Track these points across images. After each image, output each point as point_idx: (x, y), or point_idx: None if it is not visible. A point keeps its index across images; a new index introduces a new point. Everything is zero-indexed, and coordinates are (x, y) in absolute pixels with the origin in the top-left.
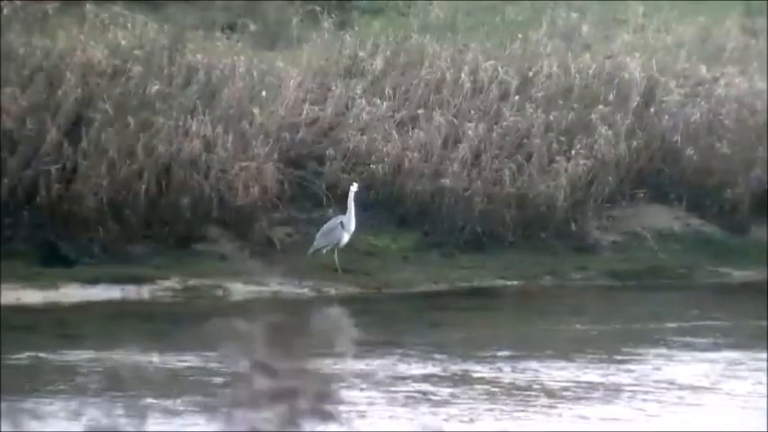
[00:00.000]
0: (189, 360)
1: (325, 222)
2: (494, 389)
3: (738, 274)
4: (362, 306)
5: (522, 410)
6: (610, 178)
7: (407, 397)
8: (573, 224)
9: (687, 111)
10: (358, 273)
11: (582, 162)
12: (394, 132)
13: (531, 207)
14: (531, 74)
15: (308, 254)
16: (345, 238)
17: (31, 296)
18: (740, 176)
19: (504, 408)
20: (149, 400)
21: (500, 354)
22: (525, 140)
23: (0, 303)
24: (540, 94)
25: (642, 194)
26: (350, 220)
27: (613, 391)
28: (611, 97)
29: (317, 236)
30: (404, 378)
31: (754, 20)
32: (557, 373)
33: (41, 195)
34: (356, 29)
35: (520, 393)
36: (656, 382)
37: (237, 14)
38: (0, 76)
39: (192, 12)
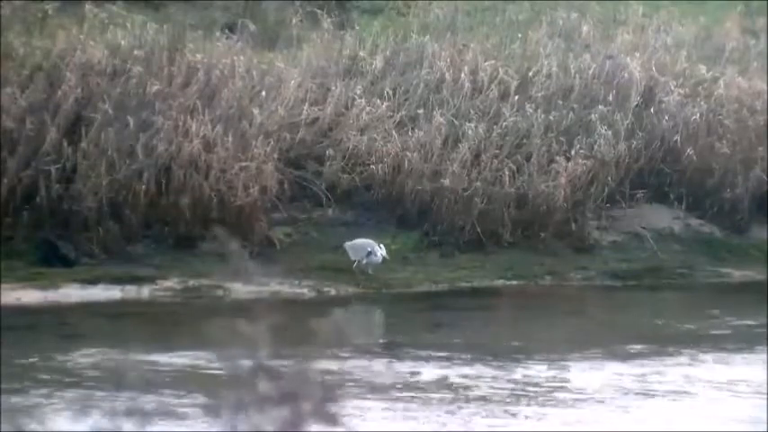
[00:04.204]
0: (189, 360)
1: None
2: (494, 389)
3: (738, 274)
4: (362, 306)
5: (523, 410)
6: (610, 178)
7: (407, 397)
8: (573, 224)
9: (687, 111)
10: (357, 273)
11: (581, 162)
12: (394, 132)
13: (530, 207)
14: (530, 74)
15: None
16: (363, 259)
17: (31, 296)
18: (740, 176)
19: (503, 408)
20: (150, 401)
21: (500, 354)
22: (525, 140)
23: (0, 303)
24: (539, 94)
25: (642, 194)
26: (376, 254)
27: (613, 391)
28: (610, 97)
29: (360, 247)
30: (404, 378)
31: (754, 20)
32: (557, 373)
33: (41, 195)
34: (356, 29)
35: (520, 393)
36: (655, 381)
37: (237, 14)
38: (0, 76)
39: (192, 12)
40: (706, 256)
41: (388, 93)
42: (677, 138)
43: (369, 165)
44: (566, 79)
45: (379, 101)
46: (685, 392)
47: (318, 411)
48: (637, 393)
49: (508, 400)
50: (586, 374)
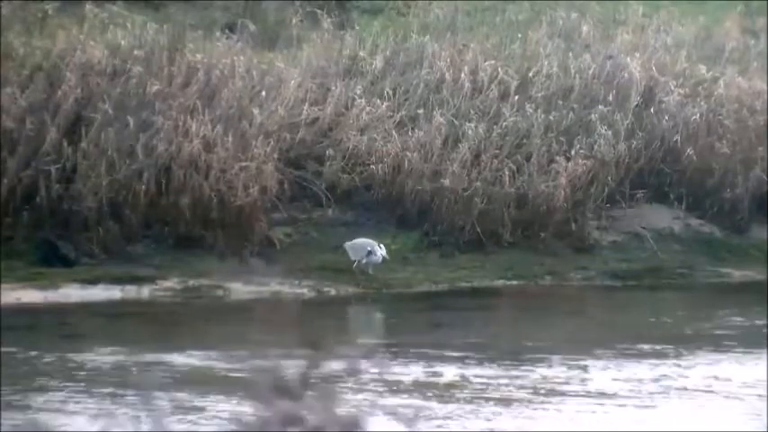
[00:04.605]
0: (189, 359)
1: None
2: (493, 389)
3: (738, 274)
4: (362, 306)
5: (522, 410)
6: (610, 178)
7: (407, 397)
8: (573, 224)
9: (687, 111)
10: (357, 273)
11: (582, 162)
12: (394, 132)
13: (530, 207)
14: (530, 74)
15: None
16: (364, 259)
17: (31, 296)
18: (740, 176)
19: (504, 407)
20: (149, 400)
21: (500, 354)
22: (525, 140)
23: (0, 303)
24: (539, 95)
25: (642, 194)
26: (376, 254)
27: (613, 391)
28: (610, 97)
29: (359, 247)
30: (404, 378)
31: (754, 20)
32: (556, 372)
33: (41, 195)
34: (356, 29)
35: (520, 393)
36: (655, 382)
37: (237, 14)
38: (0, 76)
39: (192, 12)
40: (706, 256)
41: (388, 93)
42: (677, 138)
43: (369, 165)
44: (566, 79)
45: (379, 101)
46: (685, 392)
47: (317, 411)
48: (636, 393)
49: (509, 398)
50: (586, 374)
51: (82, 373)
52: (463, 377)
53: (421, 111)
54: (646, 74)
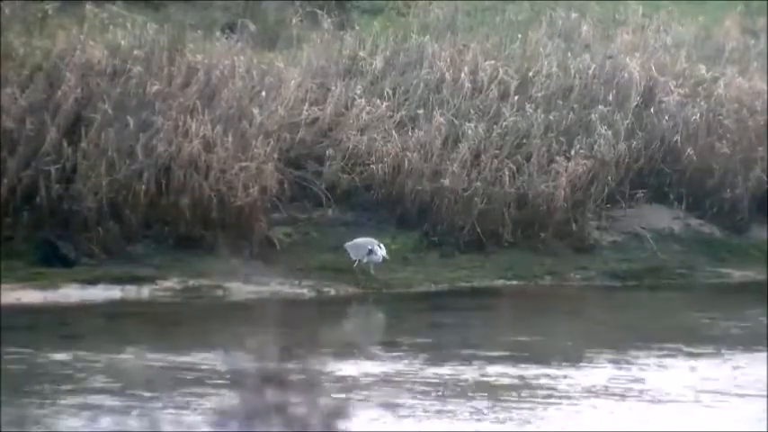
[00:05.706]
0: (189, 360)
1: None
2: (493, 389)
3: (738, 274)
4: (362, 306)
5: (522, 410)
6: (610, 178)
7: (408, 397)
8: (573, 224)
9: (687, 111)
10: (358, 273)
11: (582, 162)
12: (394, 132)
13: (530, 207)
14: (530, 74)
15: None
16: (364, 258)
17: (31, 296)
18: (740, 176)
19: (503, 408)
20: (149, 401)
21: (499, 354)
22: (525, 140)
23: (0, 303)
24: (539, 94)
25: (642, 194)
26: (376, 253)
27: (613, 392)
28: (610, 97)
29: (359, 246)
30: (403, 378)
31: (754, 20)
32: (556, 373)
33: (41, 195)
34: (356, 29)
35: (519, 393)
36: (655, 382)
37: (237, 14)
38: (0, 76)
39: (192, 12)
40: (706, 256)
41: (388, 93)
42: (677, 138)
43: (369, 165)
44: (566, 79)
45: (379, 101)
46: (684, 393)
47: (316, 411)
48: (637, 393)
49: (508, 399)
50: (586, 374)
51: (81, 373)
52: (462, 377)
53: (421, 111)
54: (645, 74)
